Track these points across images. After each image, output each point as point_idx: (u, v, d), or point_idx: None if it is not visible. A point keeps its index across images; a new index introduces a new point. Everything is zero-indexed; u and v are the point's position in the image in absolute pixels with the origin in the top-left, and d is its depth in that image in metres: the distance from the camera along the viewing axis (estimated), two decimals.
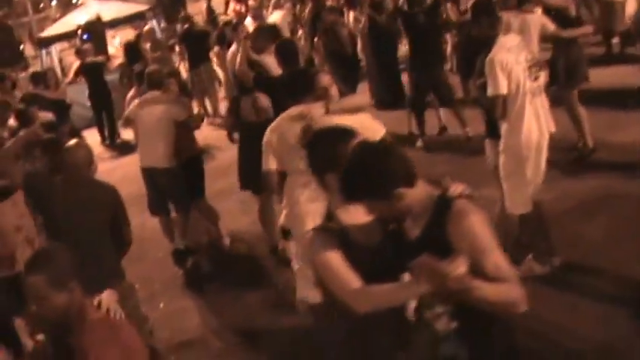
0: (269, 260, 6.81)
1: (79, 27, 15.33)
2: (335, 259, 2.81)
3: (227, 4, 17.58)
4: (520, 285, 2.58)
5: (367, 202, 2.73)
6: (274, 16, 13.24)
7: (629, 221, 5.82)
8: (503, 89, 5.45)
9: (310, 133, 3.62)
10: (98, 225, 4.50)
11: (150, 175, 6.94)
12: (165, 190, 6.93)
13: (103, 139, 13.53)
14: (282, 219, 4.86)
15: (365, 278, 2.71)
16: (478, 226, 2.62)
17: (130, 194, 6.15)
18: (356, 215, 2.85)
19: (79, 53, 13.52)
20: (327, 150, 3.06)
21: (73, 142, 4.82)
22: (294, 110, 4.64)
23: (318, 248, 2.88)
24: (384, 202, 2.68)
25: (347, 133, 3.17)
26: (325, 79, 4.83)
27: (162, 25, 16.86)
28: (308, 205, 4.51)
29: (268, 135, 4.72)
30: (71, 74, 13.91)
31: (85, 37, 15.03)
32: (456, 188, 2.72)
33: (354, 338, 2.98)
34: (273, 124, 4.75)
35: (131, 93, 8.54)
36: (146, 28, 14.37)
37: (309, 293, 4.73)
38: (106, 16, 15.70)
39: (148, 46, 12.50)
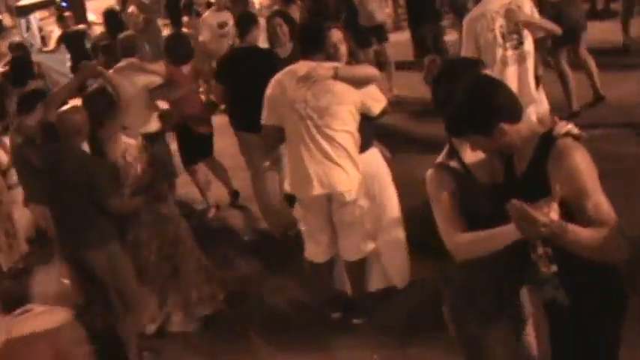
0: (257, 225, 6.82)
1: None
2: (446, 201, 2.85)
3: None
4: (619, 232, 2.52)
5: (471, 137, 2.74)
6: None
7: (617, 181, 5.81)
8: (467, 53, 5.46)
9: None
10: (77, 191, 4.52)
11: None
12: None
13: None
14: (285, 186, 4.84)
15: (485, 217, 2.71)
16: (581, 165, 2.56)
17: None
18: (478, 153, 2.87)
19: (61, 21, 13.23)
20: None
21: (69, 105, 4.76)
22: (301, 67, 4.55)
23: (434, 188, 2.92)
24: (487, 138, 2.68)
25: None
26: (336, 35, 4.72)
27: None
28: (314, 166, 4.53)
29: (269, 89, 4.66)
30: (52, 43, 13.63)
31: (63, 4, 14.72)
32: (563, 126, 2.67)
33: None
34: (277, 77, 4.66)
35: None
36: None
37: (313, 252, 4.88)
38: None
39: (131, 9, 12.24)
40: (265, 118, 4.69)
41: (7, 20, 17.27)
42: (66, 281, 6.09)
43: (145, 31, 8.98)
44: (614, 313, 2.81)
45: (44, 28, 17.81)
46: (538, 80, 5.87)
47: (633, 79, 7.98)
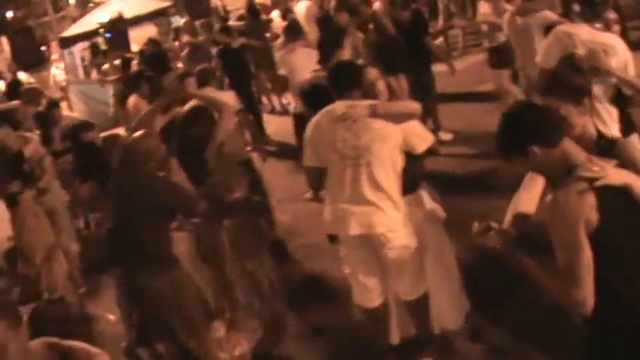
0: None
1: (101, 26, 15.07)
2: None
3: None
4: (582, 292, 2.60)
5: (513, 158, 2.85)
6: (299, 7, 12.92)
7: None
8: (546, 63, 5.21)
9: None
10: (148, 216, 4.52)
11: None
12: None
13: None
14: (325, 224, 4.62)
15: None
16: (558, 223, 2.63)
17: None
18: None
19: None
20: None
21: (140, 132, 4.77)
22: (338, 107, 4.42)
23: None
24: (524, 159, 2.77)
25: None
26: (372, 73, 4.64)
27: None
28: (353, 206, 4.37)
29: (308, 131, 4.58)
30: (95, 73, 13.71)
31: (107, 35, 14.76)
32: (587, 168, 2.65)
33: None
34: (315, 118, 4.57)
35: (134, 101, 7.95)
36: (184, 20, 14.13)
37: (363, 297, 4.64)
38: (128, 14, 15.45)
39: (185, 38, 12.27)
40: (307, 159, 4.61)
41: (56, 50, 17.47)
42: (111, 317, 5.93)
43: (193, 59, 8.83)
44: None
45: (85, 58, 17.99)
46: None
47: None
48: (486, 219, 3.03)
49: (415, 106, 4.48)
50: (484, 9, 8.56)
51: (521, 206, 3.36)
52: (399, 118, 4.36)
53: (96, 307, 6.83)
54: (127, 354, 5.69)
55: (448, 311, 4.72)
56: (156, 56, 7.30)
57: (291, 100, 8.52)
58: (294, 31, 8.35)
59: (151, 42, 11.04)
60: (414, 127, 4.47)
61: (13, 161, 6.84)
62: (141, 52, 10.98)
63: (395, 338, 4.77)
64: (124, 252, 4.74)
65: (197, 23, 13.95)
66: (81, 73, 17.15)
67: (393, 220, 4.35)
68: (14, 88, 10.04)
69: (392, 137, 4.34)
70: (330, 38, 6.64)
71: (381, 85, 4.61)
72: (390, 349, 4.78)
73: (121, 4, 16.08)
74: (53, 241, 7.03)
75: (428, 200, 4.67)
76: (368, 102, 4.41)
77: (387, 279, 4.58)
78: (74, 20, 23.63)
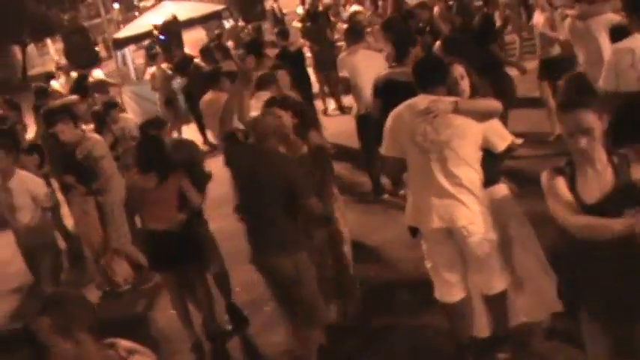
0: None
1: (155, 27, 15.19)
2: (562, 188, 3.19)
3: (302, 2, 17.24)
4: None
5: (631, 147, 2.95)
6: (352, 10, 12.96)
7: None
8: (607, 87, 5.19)
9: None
10: (271, 192, 4.60)
11: None
12: None
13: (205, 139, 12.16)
14: (407, 217, 4.65)
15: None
16: None
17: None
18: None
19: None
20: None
21: (261, 111, 4.89)
22: (421, 101, 4.44)
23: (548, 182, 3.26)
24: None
25: None
26: (458, 70, 4.61)
27: (240, 24, 16.65)
28: (434, 199, 4.39)
29: (389, 121, 4.61)
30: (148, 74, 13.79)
31: (161, 37, 14.88)
32: None
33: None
34: (397, 109, 4.60)
35: (210, 96, 8.05)
36: (229, 25, 14.22)
37: (445, 292, 4.66)
38: (182, 16, 15.53)
39: (230, 43, 12.30)
40: (386, 149, 4.65)
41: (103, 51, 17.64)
42: (172, 311, 5.96)
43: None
44: None
45: (135, 60, 18.19)
46: None
47: None
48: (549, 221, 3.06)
49: (497, 105, 4.48)
50: (538, 19, 8.48)
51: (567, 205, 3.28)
52: (481, 116, 4.37)
53: (158, 304, 6.89)
54: (193, 351, 5.75)
55: (540, 300, 4.65)
56: (256, 43, 7.40)
57: (352, 103, 8.49)
58: (355, 33, 8.33)
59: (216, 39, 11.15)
60: (495, 125, 4.48)
61: (66, 157, 6.94)
62: (202, 50, 11.04)
63: (483, 331, 4.75)
64: (252, 231, 4.83)
65: (249, 26, 14.04)
66: (133, 75, 17.33)
67: (474, 212, 4.36)
68: (80, 82, 10.16)
69: (472, 135, 4.36)
70: (403, 38, 6.61)
71: (464, 84, 4.59)
72: (468, 344, 4.75)
73: (174, 7, 16.19)
74: (107, 235, 7.12)
75: (507, 192, 4.67)
76: (451, 98, 4.42)
77: (468, 273, 4.57)
78: (119, 24, 23.93)
